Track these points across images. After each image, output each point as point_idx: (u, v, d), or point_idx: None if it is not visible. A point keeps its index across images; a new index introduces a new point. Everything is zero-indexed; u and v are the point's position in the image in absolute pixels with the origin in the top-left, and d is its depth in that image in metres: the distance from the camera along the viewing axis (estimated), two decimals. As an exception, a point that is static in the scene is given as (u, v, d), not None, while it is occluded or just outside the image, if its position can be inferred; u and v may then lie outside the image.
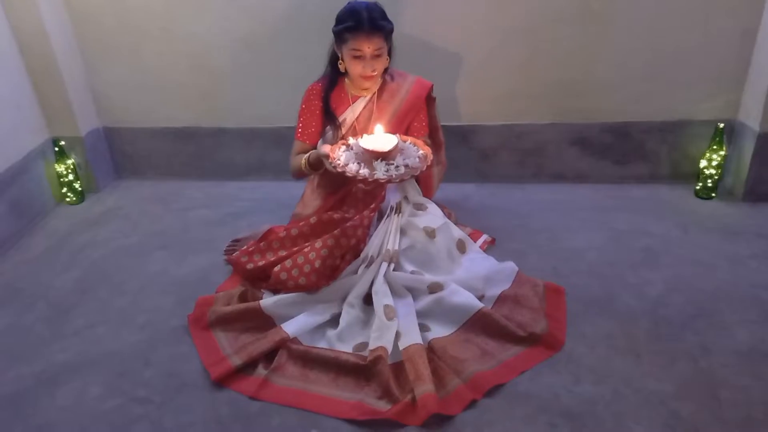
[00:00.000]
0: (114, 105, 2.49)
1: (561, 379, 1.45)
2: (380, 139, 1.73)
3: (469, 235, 1.98)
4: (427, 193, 2.01)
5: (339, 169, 1.67)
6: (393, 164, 1.68)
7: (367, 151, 1.68)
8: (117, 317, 1.76)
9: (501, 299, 1.68)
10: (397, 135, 1.77)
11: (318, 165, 1.80)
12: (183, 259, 2.02)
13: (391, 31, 1.79)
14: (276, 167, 2.49)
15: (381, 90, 1.89)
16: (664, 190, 2.30)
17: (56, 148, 2.34)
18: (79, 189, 2.42)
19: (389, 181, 1.65)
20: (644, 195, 2.27)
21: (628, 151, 2.31)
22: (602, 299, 1.72)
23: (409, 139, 1.81)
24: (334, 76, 1.91)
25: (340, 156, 1.73)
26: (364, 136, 1.77)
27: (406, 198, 1.90)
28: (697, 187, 2.22)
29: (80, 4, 2.29)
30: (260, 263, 1.78)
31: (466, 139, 2.35)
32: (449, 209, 2.14)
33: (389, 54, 1.86)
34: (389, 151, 1.68)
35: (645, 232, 2.03)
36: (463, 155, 2.36)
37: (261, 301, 1.66)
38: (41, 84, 2.29)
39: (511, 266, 1.79)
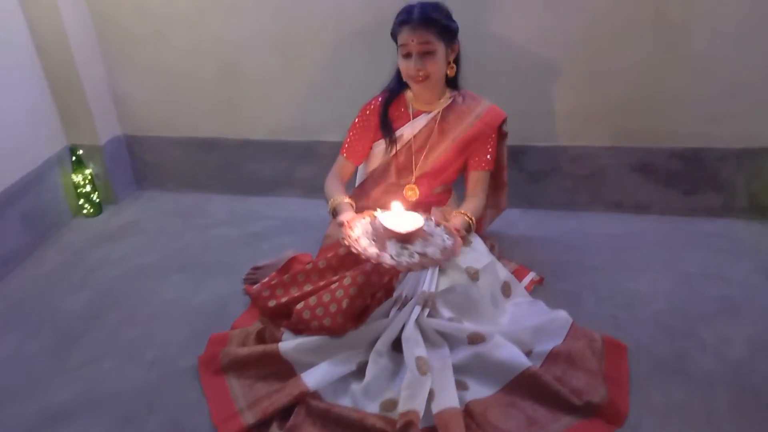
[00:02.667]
0: (136, 112, 2.34)
1: (625, 462, 1.22)
2: (405, 218, 1.51)
3: (514, 272, 1.77)
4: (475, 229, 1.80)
5: (347, 242, 1.46)
6: (408, 249, 1.46)
7: (385, 228, 1.48)
8: (125, 350, 1.61)
9: (552, 357, 1.46)
10: (427, 217, 1.58)
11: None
12: (200, 284, 1.86)
13: (448, 28, 1.61)
14: (305, 183, 2.31)
15: (447, 110, 1.72)
16: (740, 225, 2.02)
17: (73, 157, 2.20)
18: (97, 200, 2.29)
19: (394, 269, 1.43)
20: (717, 230, 2.00)
21: (700, 179, 2.04)
22: (672, 359, 1.48)
23: (442, 225, 1.58)
24: (397, 88, 1.74)
25: (357, 226, 1.54)
26: (387, 211, 1.55)
27: (449, 232, 1.70)
28: (780, 225, 1.95)
29: (102, 4, 2.15)
30: (283, 299, 1.60)
31: (514, 160, 2.12)
32: (492, 240, 1.93)
33: (456, 64, 1.68)
34: (407, 234, 1.47)
35: (720, 276, 1.77)
36: (510, 178, 2.12)
37: (280, 345, 1.48)
38: (59, 88, 2.16)
39: (563, 316, 1.56)
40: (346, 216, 1.59)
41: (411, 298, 1.52)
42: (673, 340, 1.54)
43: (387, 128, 1.74)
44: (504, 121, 1.74)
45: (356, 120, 1.78)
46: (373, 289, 1.53)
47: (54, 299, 1.83)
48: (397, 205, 1.54)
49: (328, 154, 1.76)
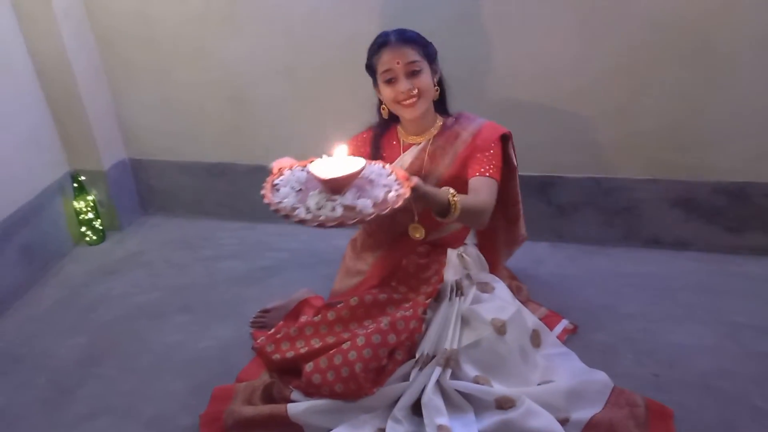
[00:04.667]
0: (142, 136, 2.23)
1: None
2: (342, 163, 1.27)
3: (544, 318, 1.63)
4: (494, 268, 1.65)
5: (263, 191, 1.29)
6: (335, 200, 1.23)
7: (311, 175, 1.25)
8: (122, 405, 1.50)
9: (591, 427, 1.31)
10: (377, 163, 1.36)
11: None
12: (205, 328, 1.74)
13: (428, 47, 1.47)
14: (317, 212, 2.19)
15: (438, 136, 1.54)
16: (790, 267, 1.86)
17: (75, 184, 2.09)
18: (100, 228, 2.18)
19: (308, 222, 1.19)
20: (765, 273, 1.83)
21: (745, 216, 1.87)
22: (720, 429, 1.33)
23: (394, 171, 1.33)
24: (387, 123, 1.60)
25: (287, 173, 1.34)
26: (328, 156, 1.32)
27: (468, 276, 1.55)
28: (836, 269, 1.78)
29: (106, 27, 2.05)
30: (288, 354, 1.47)
31: (542, 191, 1.98)
32: (519, 281, 1.79)
33: (440, 85, 1.52)
34: (334, 181, 1.21)
35: (771, 329, 1.61)
36: (538, 210, 1.98)
37: (288, 406, 1.35)
38: (60, 113, 2.06)
39: (603, 379, 1.41)
40: (282, 161, 1.40)
41: (433, 357, 1.39)
42: (721, 406, 1.39)
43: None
44: (506, 139, 1.51)
45: None
46: (389, 348, 1.39)
47: (49, 343, 1.73)
48: (342, 149, 1.31)
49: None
